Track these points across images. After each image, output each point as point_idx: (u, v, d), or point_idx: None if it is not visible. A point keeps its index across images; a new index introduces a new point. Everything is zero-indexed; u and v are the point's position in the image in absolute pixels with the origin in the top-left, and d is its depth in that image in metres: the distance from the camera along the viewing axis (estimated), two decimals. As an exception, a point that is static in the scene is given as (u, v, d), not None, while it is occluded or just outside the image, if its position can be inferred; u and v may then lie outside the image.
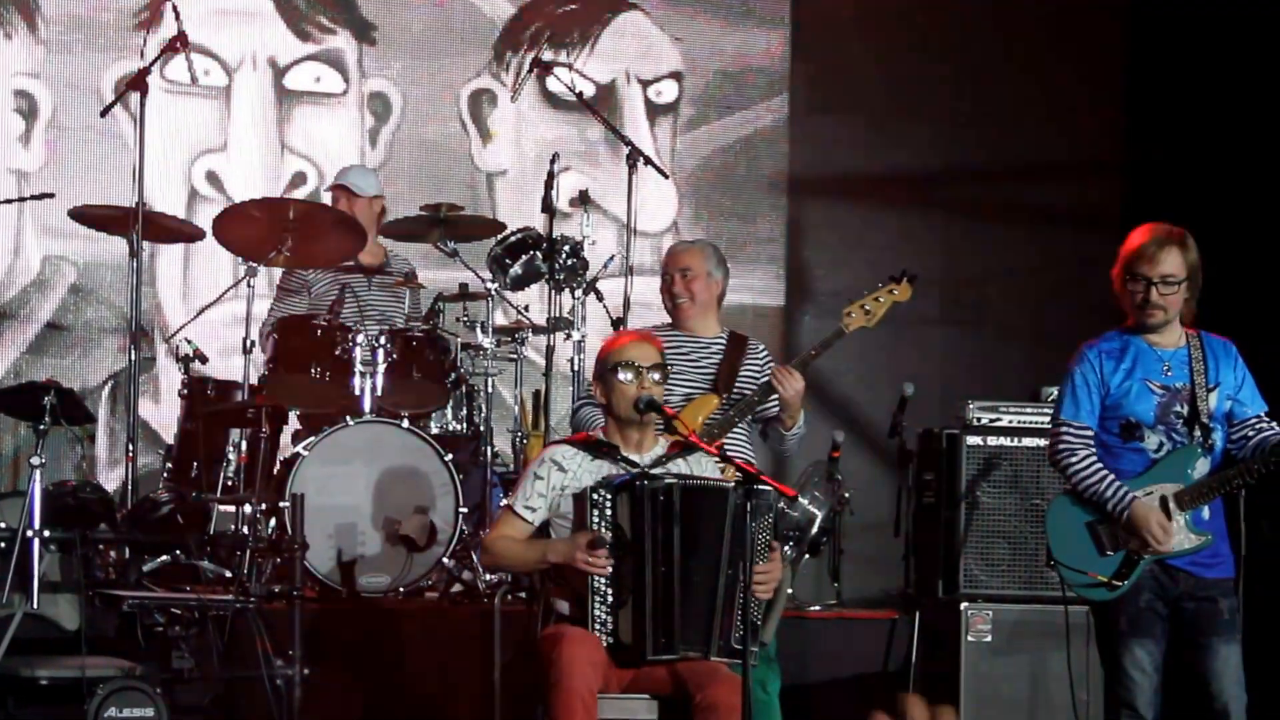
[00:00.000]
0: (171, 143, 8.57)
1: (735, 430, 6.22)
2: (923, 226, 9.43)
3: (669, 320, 6.49)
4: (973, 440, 7.19)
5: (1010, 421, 7.23)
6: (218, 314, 7.55)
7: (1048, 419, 6.20)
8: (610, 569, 5.27)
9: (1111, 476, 5.44)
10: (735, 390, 6.29)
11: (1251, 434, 5.49)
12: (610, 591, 5.29)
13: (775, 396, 6.19)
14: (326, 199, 7.99)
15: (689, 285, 6.36)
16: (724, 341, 6.39)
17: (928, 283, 9.23)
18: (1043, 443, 6.74)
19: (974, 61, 9.45)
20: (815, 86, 9.38)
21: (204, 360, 7.34)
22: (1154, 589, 5.44)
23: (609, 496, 5.30)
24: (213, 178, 8.70)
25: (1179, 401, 5.47)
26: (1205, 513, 5.45)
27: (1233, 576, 5.52)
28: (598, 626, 5.29)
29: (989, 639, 7.04)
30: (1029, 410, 7.24)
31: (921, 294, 9.08)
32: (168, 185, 8.56)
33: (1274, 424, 5.51)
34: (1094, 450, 5.48)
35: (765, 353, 6.44)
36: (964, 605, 7.04)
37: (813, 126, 9.36)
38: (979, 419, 7.25)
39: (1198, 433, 5.45)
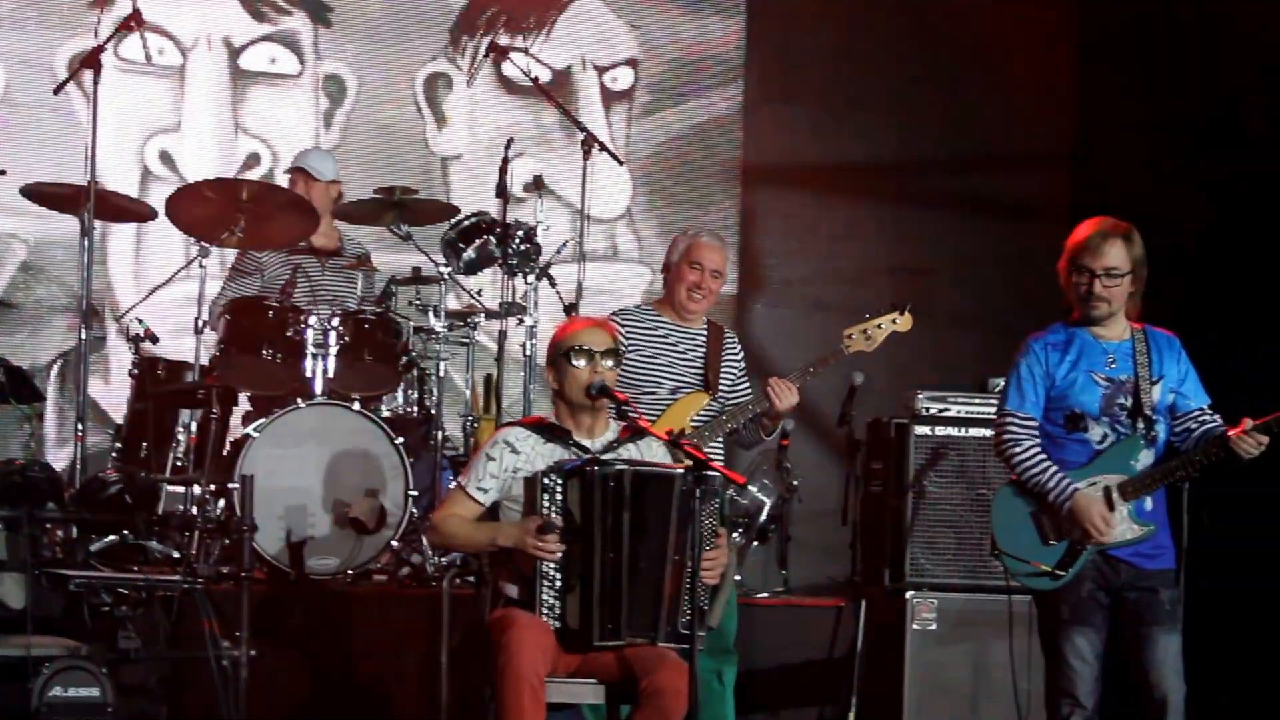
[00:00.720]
0: (125, 121, 8.52)
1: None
2: (874, 216, 9.48)
3: (655, 300, 6.49)
4: (921, 430, 7.24)
5: (958, 412, 7.28)
6: (169, 294, 7.53)
7: (995, 409, 6.26)
8: (559, 554, 5.29)
9: (1054, 468, 5.49)
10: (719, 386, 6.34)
11: (1194, 426, 5.56)
12: (559, 576, 5.30)
13: (765, 405, 6.24)
14: (282, 181, 7.98)
15: (714, 286, 6.39)
16: (706, 333, 6.42)
17: (877, 272, 9.36)
18: (989, 433, 6.80)
19: (926, 53, 9.50)
20: (770, 75, 9.41)
21: (155, 340, 7.32)
22: (1096, 579, 5.49)
23: (560, 481, 5.32)
24: (166, 157, 8.66)
25: (1123, 393, 5.52)
26: (1148, 504, 5.51)
27: (1174, 568, 5.58)
28: (545, 611, 5.30)
29: (934, 627, 7.08)
30: (977, 401, 7.29)
31: (871, 283, 9.21)
32: (120, 164, 8.51)
33: (1216, 417, 5.57)
34: (1038, 441, 5.53)
35: (738, 346, 6.48)
36: (910, 594, 7.08)
37: (767, 115, 9.39)
38: (927, 409, 7.29)
39: (1141, 424, 5.51)
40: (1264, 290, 8.37)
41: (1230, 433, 5.43)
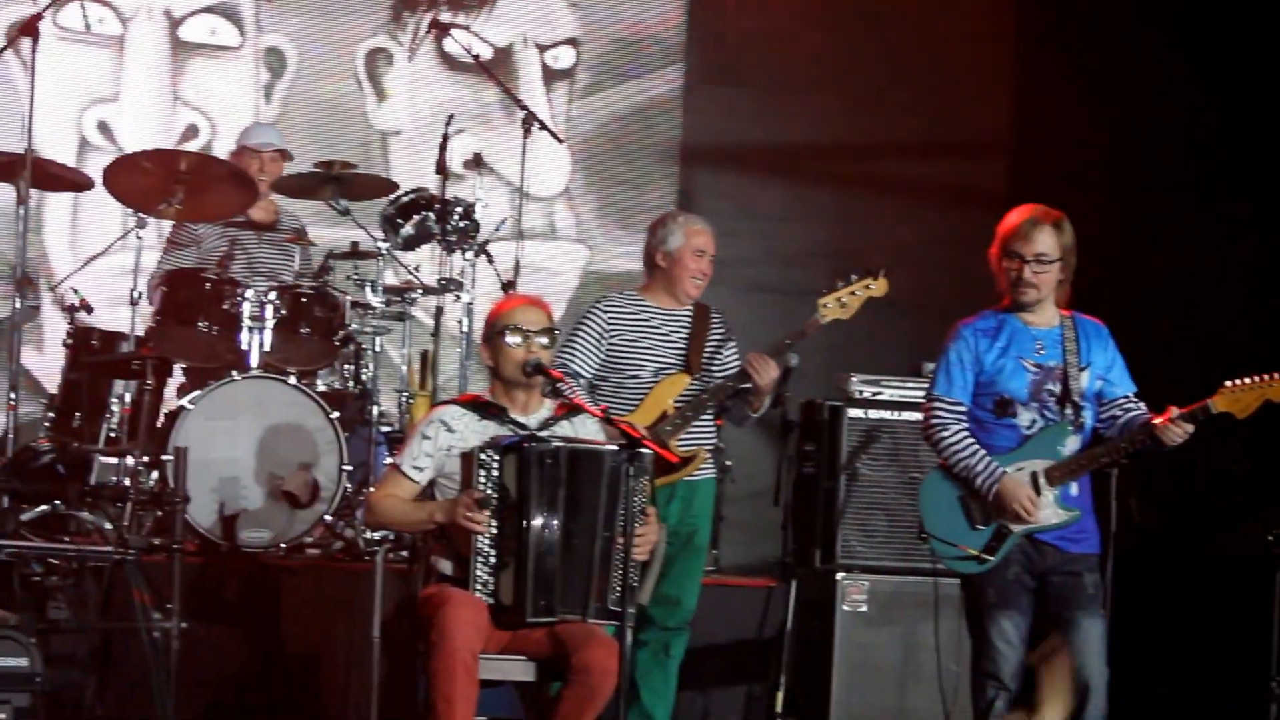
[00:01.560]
0: (63, 90, 8.45)
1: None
2: (812, 199, 9.52)
3: (638, 286, 6.51)
4: (854, 413, 7.27)
5: (891, 395, 7.32)
6: (105, 264, 7.49)
7: (924, 394, 6.30)
8: (494, 530, 5.31)
9: (982, 452, 5.54)
10: (702, 366, 6.35)
11: (1120, 414, 5.62)
12: (493, 553, 5.32)
13: (748, 383, 6.26)
14: (220, 153, 7.94)
15: (708, 269, 6.40)
16: (690, 314, 6.44)
17: (814, 255, 9.40)
18: (921, 417, 6.86)
19: (866, 39, 9.54)
20: (710, 57, 9.43)
21: (90, 310, 7.29)
22: (1022, 563, 5.55)
23: (496, 457, 5.33)
24: (104, 127, 8.61)
25: (1051, 380, 5.58)
26: (1074, 489, 5.57)
27: (1098, 553, 5.65)
28: (479, 587, 5.32)
29: (864, 609, 7.12)
30: (910, 384, 7.32)
31: (808, 265, 9.24)
32: (58, 133, 8.44)
33: (1142, 405, 5.63)
34: (966, 425, 5.58)
35: (724, 322, 6.50)
36: (840, 575, 7.11)
37: (706, 97, 9.41)
38: (861, 392, 7.33)
39: (1069, 410, 5.57)
40: (1192, 281, 8.47)
41: (1155, 421, 5.50)
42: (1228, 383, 5.50)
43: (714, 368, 6.41)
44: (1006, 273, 5.57)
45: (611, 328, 6.34)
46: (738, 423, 6.54)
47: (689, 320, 6.41)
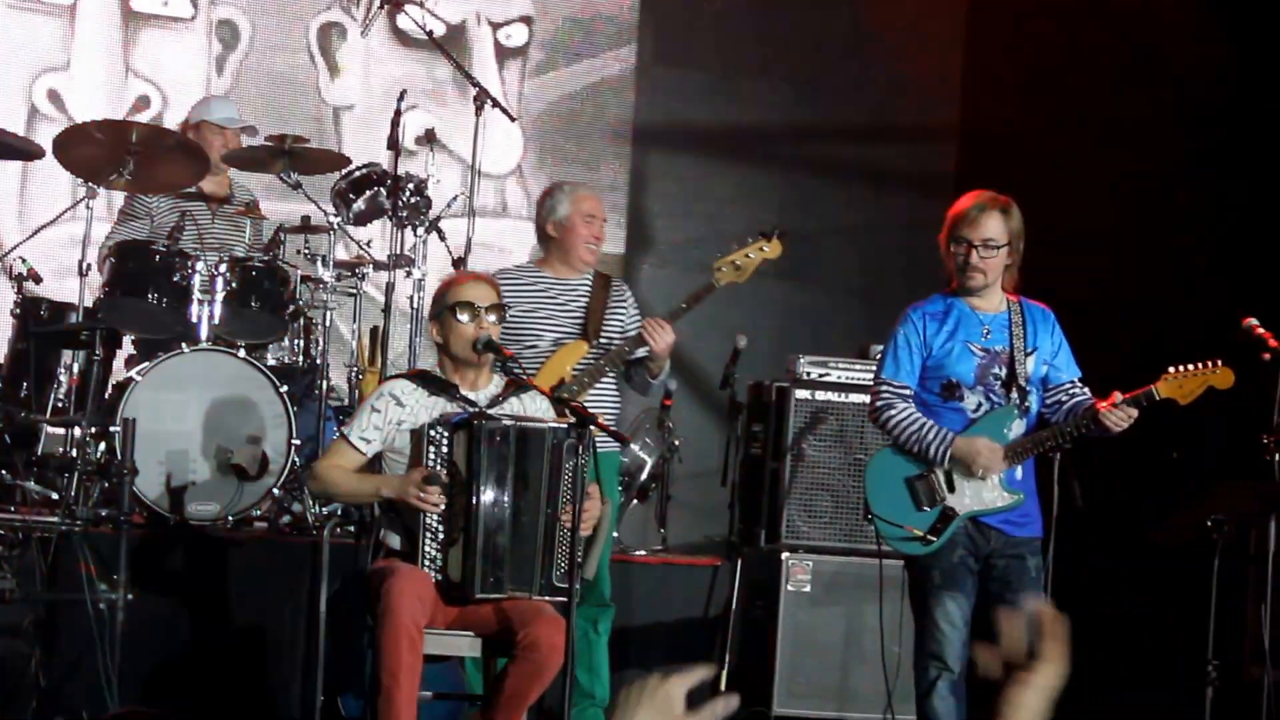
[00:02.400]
0: (12, 59, 8.39)
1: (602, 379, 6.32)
2: (762, 181, 9.54)
3: (535, 260, 6.52)
4: (801, 394, 7.30)
5: (838, 377, 7.35)
6: (54, 234, 7.42)
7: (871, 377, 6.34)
8: (442, 506, 5.32)
9: (930, 421, 5.56)
10: (603, 333, 6.36)
11: (1065, 399, 5.67)
12: (442, 529, 5.34)
13: (646, 348, 6.27)
14: (171, 125, 7.90)
15: (600, 234, 6.42)
16: (589, 283, 6.45)
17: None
18: (868, 399, 6.90)
19: (818, 23, 9.57)
20: (663, 38, 9.44)
21: (38, 280, 7.23)
22: (967, 545, 5.60)
23: (446, 434, 5.35)
24: (54, 97, 8.55)
25: (998, 364, 5.62)
26: (1018, 473, 5.62)
27: (1040, 536, 5.70)
28: (427, 563, 5.33)
29: (808, 589, 7.16)
30: (857, 367, 7.35)
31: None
32: (7, 102, 8.37)
33: (1086, 390, 5.68)
34: (912, 404, 5.62)
35: (628, 292, 6.51)
36: (785, 555, 7.15)
37: (659, 78, 9.42)
38: (808, 374, 7.36)
39: (1014, 395, 5.61)
40: (1139, 267, 8.54)
41: (1100, 406, 5.55)
42: (1171, 369, 5.55)
43: (616, 336, 6.39)
44: (954, 257, 5.61)
45: (507, 299, 6.33)
46: (641, 390, 6.53)
47: (588, 289, 6.41)
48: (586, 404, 6.22)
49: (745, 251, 6.34)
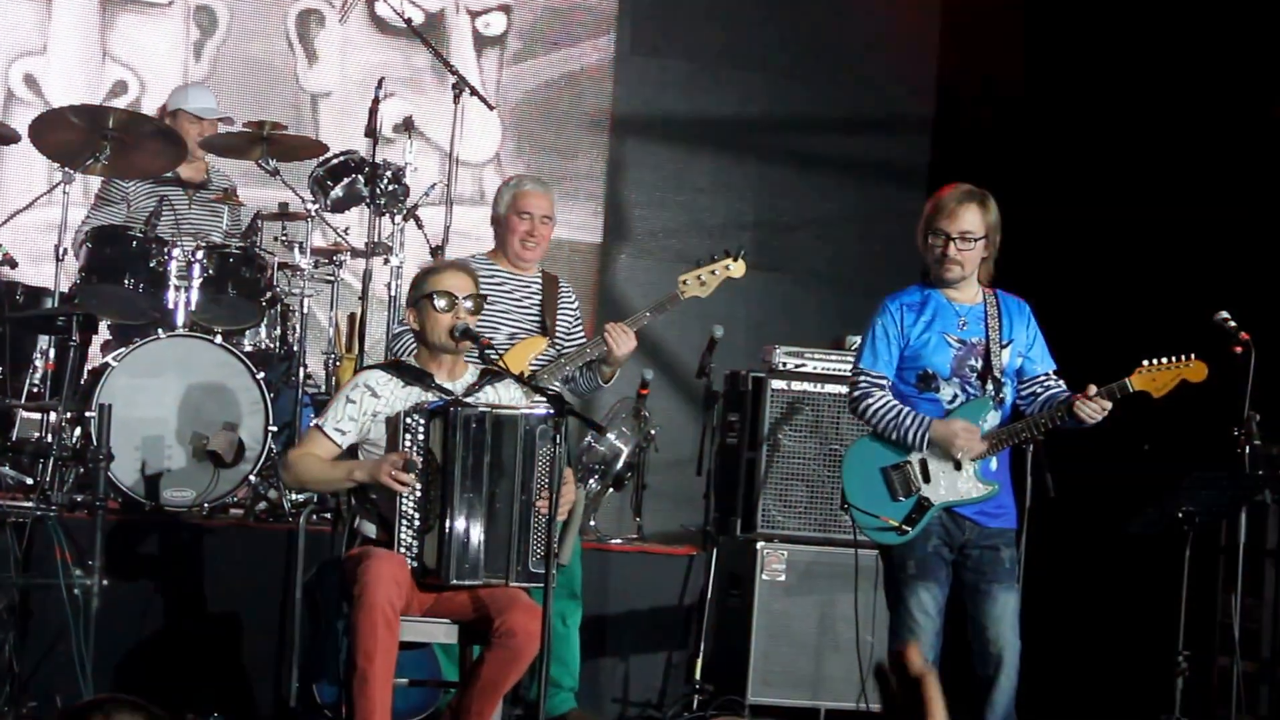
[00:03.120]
0: (-12, 43, 8.39)
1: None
2: (739, 171, 9.56)
3: (486, 250, 6.57)
4: (777, 384, 7.32)
5: (814, 368, 7.37)
6: (30, 219, 7.41)
7: (850, 368, 6.37)
8: (417, 491, 5.33)
9: (907, 408, 5.59)
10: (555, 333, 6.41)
11: (1039, 390, 5.70)
12: (418, 516, 5.34)
13: (604, 351, 6.32)
14: (149, 110, 7.88)
15: (545, 231, 6.46)
16: (540, 281, 6.50)
17: (740, 227, 9.46)
18: (844, 390, 6.92)
19: (796, 14, 9.58)
20: (641, 28, 9.44)
21: (14, 265, 7.21)
22: (941, 535, 5.62)
23: (422, 421, 5.36)
24: (30, 80, 8.52)
25: (974, 355, 5.64)
26: (993, 464, 5.64)
27: (1015, 528, 5.73)
28: (403, 550, 5.34)
29: (782, 578, 7.18)
30: (833, 357, 7.38)
31: (734, 238, 9.27)
32: (-18, 86, 8.39)
33: (1061, 382, 5.70)
34: (890, 394, 5.65)
35: (573, 295, 6.59)
36: (760, 544, 7.18)
37: (637, 67, 9.42)
38: (784, 364, 7.38)
39: (990, 386, 5.64)
40: (1113, 259, 8.58)
41: (1074, 398, 5.58)
42: (1145, 362, 5.58)
43: (562, 336, 6.46)
44: (931, 249, 5.63)
45: None
46: (584, 393, 6.60)
47: (539, 287, 6.47)
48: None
49: (711, 269, 6.54)
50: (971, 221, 5.59)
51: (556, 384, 6.38)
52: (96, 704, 3.03)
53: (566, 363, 6.34)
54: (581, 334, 6.54)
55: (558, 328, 6.45)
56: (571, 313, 6.53)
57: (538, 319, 6.41)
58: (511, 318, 6.38)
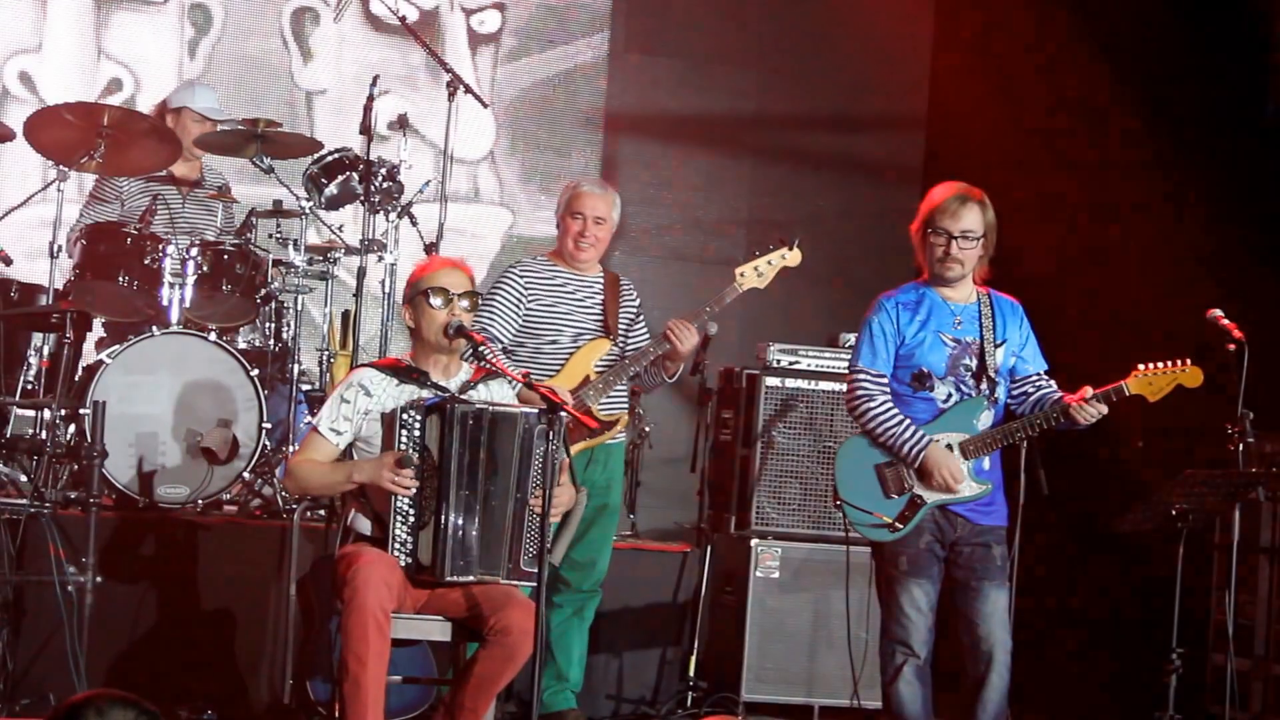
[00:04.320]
0: (-16, 40, 8.39)
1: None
2: (733, 169, 9.57)
3: (549, 252, 6.59)
4: (771, 381, 7.33)
5: (808, 365, 7.38)
6: (24, 216, 7.41)
7: (844, 364, 6.38)
8: (415, 489, 5.34)
9: (908, 421, 5.60)
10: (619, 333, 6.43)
11: (1031, 390, 5.71)
12: (412, 512, 5.34)
13: (667, 347, 6.34)
14: (143, 108, 7.88)
15: (599, 233, 6.48)
16: (603, 281, 6.52)
17: (735, 224, 9.46)
18: (838, 387, 6.95)
19: (790, 11, 9.59)
20: (635, 26, 9.45)
21: (8, 262, 7.21)
22: (934, 532, 5.63)
23: (419, 418, 5.36)
24: (25, 78, 8.52)
25: (969, 354, 5.65)
26: (985, 463, 5.66)
27: (1006, 525, 5.74)
28: (398, 546, 5.34)
29: (776, 575, 7.19)
30: (827, 355, 7.40)
31: (728, 235, 9.31)
32: (-23, 83, 8.39)
33: (1052, 383, 5.72)
34: (889, 396, 5.65)
35: (634, 293, 6.60)
36: (754, 541, 7.19)
37: (631, 65, 9.43)
38: (778, 361, 7.39)
39: (984, 386, 5.65)
40: (1104, 259, 8.59)
41: (1070, 400, 5.59)
42: (1141, 366, 5.59)
43: (627, 336, 6.50)
44: (932, 248, 5.64)
45: (529, 292, 6.41)
46: (648, 388, 6.66)
47: (601, 287, 6.49)
48: (606, 400, 6.32)
49: (767, 258, 6.51)
50: (973, 221, 5.61)
51: (623, 384, 6.41)
52: (89, 700, 3.04)
53: (631, 363, 6.38)
54: (644, 329, 6.56)
55: (619, 325, 6.47)
56: (633, 309, 6.55)
57: (600, 319, 6.44)
58: (575, 318, 6.42)
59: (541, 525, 5.28)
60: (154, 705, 3.10)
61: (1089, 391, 5.55)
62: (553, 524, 5.49)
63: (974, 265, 5.66)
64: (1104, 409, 5.54)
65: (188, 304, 7.01)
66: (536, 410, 5.40)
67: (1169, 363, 5.58)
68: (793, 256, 6.53)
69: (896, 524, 5.62)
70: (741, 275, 6.49)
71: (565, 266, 6.51)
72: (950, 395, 5.64)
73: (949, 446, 5.60)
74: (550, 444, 5.27)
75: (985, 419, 5.65)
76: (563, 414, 5.31)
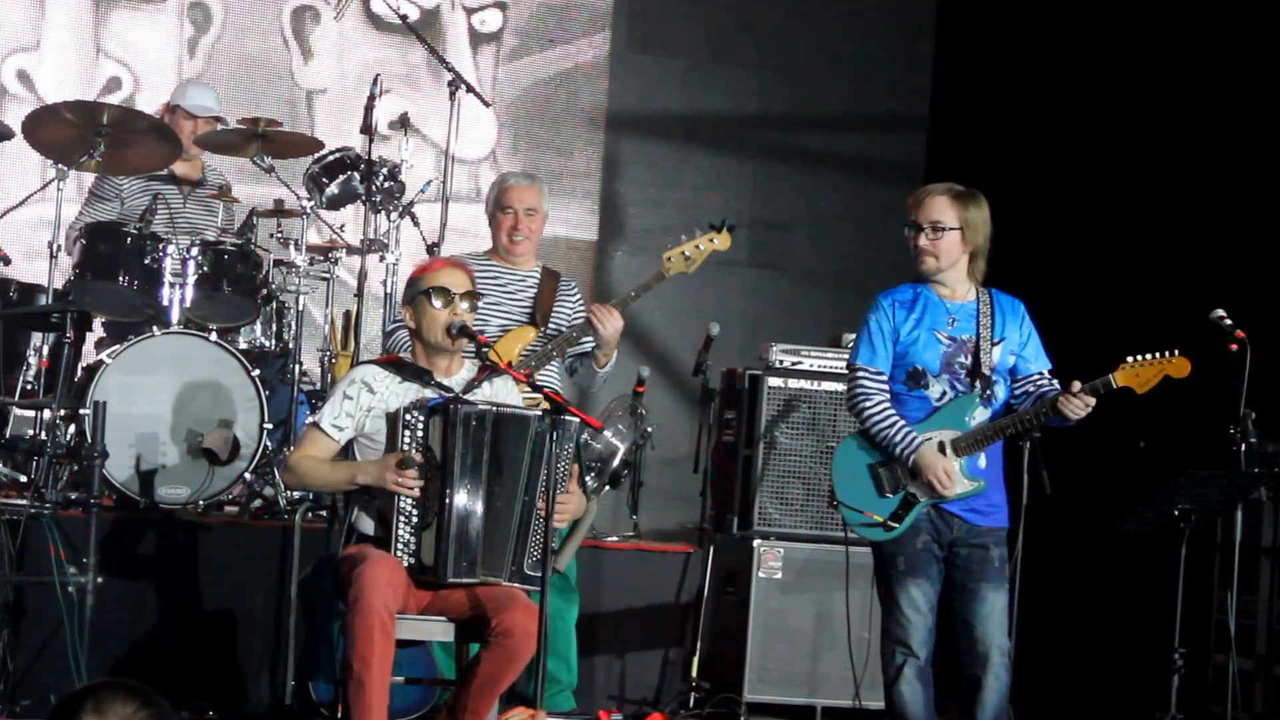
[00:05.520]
0: (-18, 38, 8.38)
1: (547, 365, 6.34)
2: (735, 169, 9.57)
3: (485, 249, 6.58)
4: (773, 382, 7.32)
5: (811, 365, 7.38)
6: (23, 216, 7.40)
7: (846, 364, 6.36)
8: (418, 490, 5.32)
9: (901, 421, 5.60)
10: (550, 323, 6.39)
11: (1032, 389, 5.69)
12: (415, 513, 5.33)
13: (591, 334, 6.30)
14: (143, 106, 7.86)
15: (531, 224, 6.46)
16: (539, 275, 6.50)
17: (737, 224, 9.44)
18: (840, 387, 6.94)
19: (790, 11, 9.59)
20: (637, 25, 9.45)
21: (7, 262, 7.20)
22: (931, 532, 5.62)
23: (421, 418, 5.34)
24: (24, 77, 8.51)
25: (963, 352, 5.64)
26: (981, 461, 5.63)
27: (1006, 527, 5.72)
28: (401, 547, 5.32)
29: (779, 575, 7.19)
30: (829, 355, 7.39)
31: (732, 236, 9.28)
32: (-25, 81, 8.38)
33: (1054, 382, 5.69)
34: (887, 395, 5.64)
35: (577, 290, 6.58)
36: (756, 542, 7.19)
37: (633, 65, 9.43)
38: (780, 361, 7.39)
39: (978, 384, 5.63)
40: (1107, 257, 8.59)
41: (1060, 395, 5.56)
42: (1128, 358, 5.58)
43: (564, 328, 6.44)
44: (908, 241, 5.66)
45: None
46: (587, 383, 6.59)
47: (536, 281, 6.48)
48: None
49: (695, 243, 6.46)
50: (940, 211, 5.60)
51: (554, 374, 6.37)
52: (90, 691, 3.00)
53: (554, 349, 6.34)
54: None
55: (561, 318, 6.44)
56: (571, 303, 6.51)
57: (528, 310, 6.41)
58: (501, 309, 6.39)
59: (546, 527, 5.27)
60: (158, 695, 3.06)
61: (1077, 385, 5.53)
62: (561, 530, 5.48)
63: (953, 259, 5.62)
64: (1092, 402, 5.51)
65: (188, 304, 6.99)
66: (541, 411, 5.38)
67: (1156, 354, 5.56)
68: (722, 240, 6.46)
69: (890, 523, 5.61)
70: (669, 260, 6.43)
71: (500, 261, 6.49)
72: (945, 393, 5.63)
73: (941, 444, 5.58)
74: (555, 445, 5.26)
75: (979, 416, 5.62)
76: (578, 423, 5.30)
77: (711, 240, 6.45)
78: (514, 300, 6.42)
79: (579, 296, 6.57)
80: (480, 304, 6.17)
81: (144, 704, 2.98)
